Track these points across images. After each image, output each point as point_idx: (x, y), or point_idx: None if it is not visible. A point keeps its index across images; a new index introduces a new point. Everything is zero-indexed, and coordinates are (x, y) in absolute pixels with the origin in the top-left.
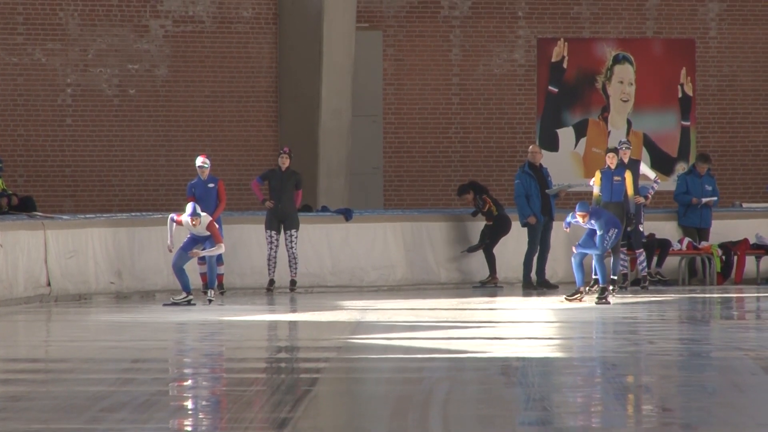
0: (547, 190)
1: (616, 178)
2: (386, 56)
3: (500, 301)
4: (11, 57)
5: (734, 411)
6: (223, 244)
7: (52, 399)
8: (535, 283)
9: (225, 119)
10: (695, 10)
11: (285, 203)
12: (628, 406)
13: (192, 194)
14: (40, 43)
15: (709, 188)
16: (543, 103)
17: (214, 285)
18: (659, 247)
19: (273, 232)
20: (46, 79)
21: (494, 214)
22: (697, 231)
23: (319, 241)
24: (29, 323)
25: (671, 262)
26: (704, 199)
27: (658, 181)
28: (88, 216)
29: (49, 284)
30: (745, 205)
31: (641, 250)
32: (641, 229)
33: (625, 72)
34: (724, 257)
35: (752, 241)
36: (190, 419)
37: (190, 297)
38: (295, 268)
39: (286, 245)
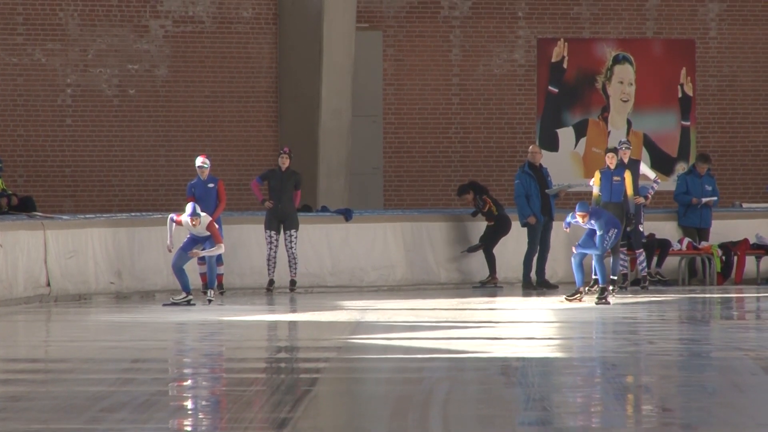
0: (547, 190)
1: (615, 178)
2: (386, 56)
3: (500, 302)
4: (11, 57)
5: (734, 411)
6: (222, 245)
7: (52, 399)
8: (535, 283)
9: (225, 119)
10: (695, 10)
11: (285, 203)
12: (628, 406)
13: (192, 194)
14: (40, 44)
15: (709, 188)
16: (543, 103)
17: (214, 285)
18: (659, 247)
19: (272, 232)
20: (46, 80)
21: (494, 214)
22: (697, 231)
23: (318, 241)
24: (29, 323)
25: (671, 262)
26: (704, 199)
27: (658, 181)
28: (87, 216)
29: (48, 284)
30: (745, 205)
31: (641, 250)
32: (641, 229)
33: (625, 72)
34: (724, 257)
35: (752, 241)
36: (190, 419)
37: (190, 297)
38: (295, 269)
39: (286, 245)
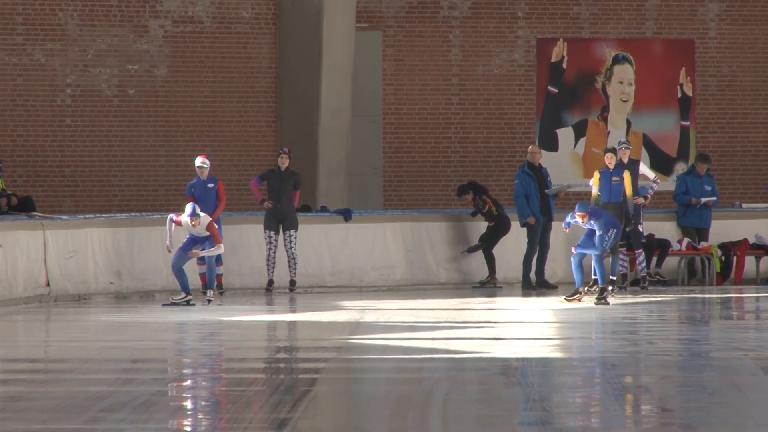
0: (546, 191)
1: (614, 178)
2: (386, 56)
3: (500, 302)
4: (11, 57)
5: (734, 411)
6: (222, 245)
7: (52, 399)
8: (535, 284)
9: (224, 119)
10: (695, 10)
11: (284, 203)
12: (628, 406)
13: (191, 194)
14: (40, 44)
15: (709, 188)
16: (542, 104)
17: (214, 285)
18: (659, 248)
19: (272, 233)
20: (46, 80)
21: (494, 215)
22: (697, 231)
23: (318, 241)
24: (28, 323)
25: (670, 262)
26: (703, 199)
27: (658, 181)
28: (87, 216)
29: (48, 284)
30: (744, 205)
31: (641, 250)
32: (641, 230)
33: (625, 72)
34: (723, 257)
35: (752, 241)
36: (190, 419)
37: (190, 297)
38: (295, 269)
39: (285, 245)
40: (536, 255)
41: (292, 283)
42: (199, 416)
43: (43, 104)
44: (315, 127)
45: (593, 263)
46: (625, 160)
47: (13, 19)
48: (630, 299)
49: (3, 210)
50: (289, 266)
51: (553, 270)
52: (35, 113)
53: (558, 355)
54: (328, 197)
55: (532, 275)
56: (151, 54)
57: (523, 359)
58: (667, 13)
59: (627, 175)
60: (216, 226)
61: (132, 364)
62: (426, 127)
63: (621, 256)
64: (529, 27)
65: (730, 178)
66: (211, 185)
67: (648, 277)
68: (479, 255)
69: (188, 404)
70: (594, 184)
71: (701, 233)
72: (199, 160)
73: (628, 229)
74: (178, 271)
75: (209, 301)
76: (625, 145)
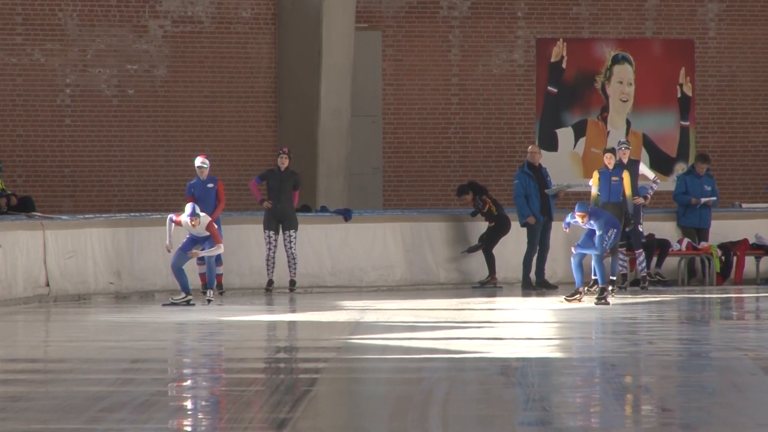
0: (546, 191)
1: (614, 178)
2: (385, 56)
3: (499, 302)
4: (10, 57)
5: (733, 411)
6: (222, 245)
7: (52, 399)
8: (535, 284)
9: (224, 119)
10: (694, 10)
11: (284, 203)
12: (628, 406)
13: (191, 194)
14: (39, 44)
15: (708, 188)
16: (542, 104)
17: (213, 285)
18: (659, 248)
19: (271, 233)
20: (45, 80)
21: (494, 215)
22: (697, 231)
23: (318, 241)
24: (28, 323)
25: (670, 262)
26: (703, 200)
27: (658, 181)
28: (87, 216)
29: (48, 284)
30: (744, 205)
31: (641, 250)
32: (640, 230)
33: (625, 72)
34: (723, 257)
35: (752, 241)
36: (190, 419)
37: (189, 297)
38: (294, 269)
39: (285, 246)
40: (536, 255)
41: (292, 283)
42: (199, 416)
43: (42, 104)
44: (315, 127)
45: (593, 263)
46: (625, 160)
47: (13, 19)
48: (630, 299)
49: (3, 210)
50: (289, 266)
51: (553, 270)
52: (35, 113)
53: (558, 355)
54: (327, 197)
55: (532, 275)
56: (151, 54)
57: (523, 359)
58: (667, 13)
59: (626, 175)
60: (216, 226)
61: (132, 364)
62: (426, 127)
63: (621, 256)
64: (528, 27)
65: (730, 178)
66: (210, 185)
67: (648, 277)
68: (479, 255)
69: (188, 404)
70: (593, 184)
71: (701, 233)
72: (198, 160)
73: (627, 229)
74: (178, 271)
75: (209, 301)
76: (625, 145)
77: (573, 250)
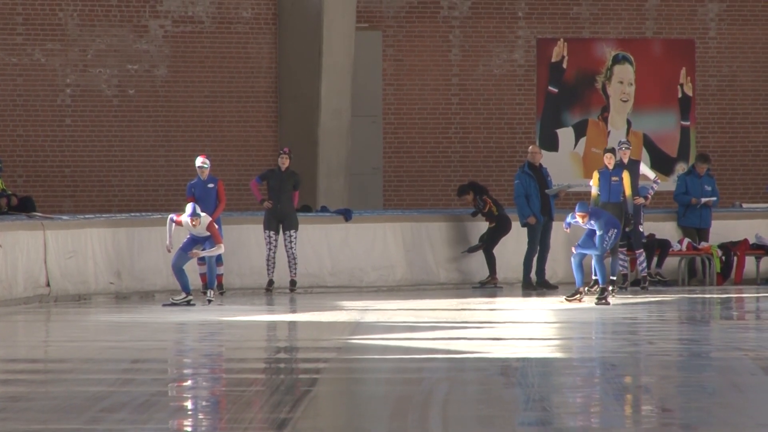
0: (546, 191)
1: (613, 178)
2: (386, 56)
3: (500, 302)
4: (11, 57)
5: (734, 411)
6: (222, 245)
7: (52, 399)
8: (535, 284)
9: (224, 119)
10: (695, 10)
11: (284, 203)
12: (628, 406)
13: (192, 194)
14: (40, 44)
15: (709, 188)
16: (543, 104)
17: (214, 285)
18: (659, 248)
19: (272, 233)
20: (46, 80)
21: (494, 215)
22: (697, 231)
23: (318, 241)
24: (29, 323)
25: (671, 262)
26: (703, 200)
27: (658, 181)
28: (87, 216)
29: (48, 284)
30: (744, 205)
31: (641, 250)
32: (641, 230)
33: (625, 72)
34: (723, 258)
35: (752, 241)
36: (190, 420)
37: (190, 297)
38: (295, 269)
39: (285, 246)
40: (537, 255)
41: (293, 283)
42: (200, 416)
43: (43, 104)
44: (315, 127)
45: (593, 263)
46: (626, 161)
47: (13, 19)
48: (630, 299)
49: (3, 210)
50: (290, 266)
51: (553, 270)
52: (35, 113)
53: (558, 355)
54: (328, 197)
55: (533, 275)
56: (151, 54)
57: (524, 359)
58: (667, 13)
59: (626, 175)
60: (216, 226)
61: (132, 364)
62: (426, 127)
63: (621, 256)
64: (529, 27)
65: (731, 178)
66: (211, 185)
67: (648, 278)
68: (479, 255)
69: (188, 404)
70: (593, 184)
71: (701, 233)
72: (199, 161)
73: (627, 229)
74: (179, 272)
75: (209, 301)
76: (626, 145)
77: (573, 250)
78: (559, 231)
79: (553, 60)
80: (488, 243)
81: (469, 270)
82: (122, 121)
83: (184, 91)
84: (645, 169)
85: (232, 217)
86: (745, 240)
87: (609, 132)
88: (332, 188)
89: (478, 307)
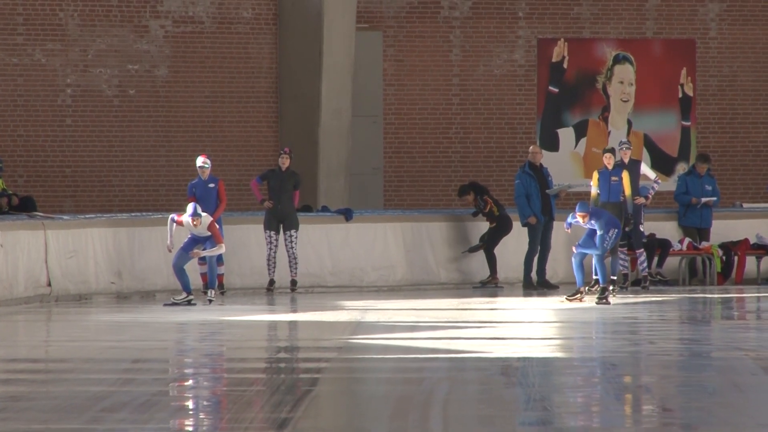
0: (547, 191)
1: (613, 178)
2: (386, 57)
3: (501, 302)
4: (11, 57)
5: (734, 411)
6: (223, 245)
7: (52, 399)
8: (536, 284)
9: (225, 119)
10: (695, 10)
11: (284, 203)
12: (628, 406)
13: (192, 194)
14: (40, 44)
15: (709, 188)
16: (543, 104)
17: (215, 285)
18: (660, 247)
19: (272, 233)
20: (46, 80)
21: (495, 215)
22: (698, 231)
23: (319, 241)
24: (29, 323)
25: (672, 262)
26: (704, 199)
27: (659, 181)
28: (88, 216)
29: (49, 284)
30: (745, 205)
31: (642, 250)
32: (642, 229)
33: (626, 72)
34: (724, 257)
35: (752, 241)
36: (191, 419)
37: (191, 297)
38: (295, 269)
39: (286, 245)
40: (537, 255)
41: (293, 283)
42: (201, 416)
43: (43, 104)
44: (315, 128)
45: (594, 263)
46: (626, 160)
47: (14, 19)
48: (631, 299)
49: (4, 210)
50: (290, 266)
51: (554, 270)
52: (36, 113)
53: (559, 354)
54: (328, 197)
55: (533, 275)
56: (152, 54)
57: (524, 359)
58: (668, 13)
59: (626, 175)
60: (217, 226)
61: (133, 364)
62: (426, 127)
63: (622, 255)
64: (529, 27)
65: (731, 178)
66: (211, 185)
67: (649, 277)
68: (480, 255)
69: (189, 404)
70: (593, 184)
71: (702, 233)
72: (200, 160)
73: (627, 229)
74: (179, 271)
75: (210, 301)
76: (626, 146)
77: (574, 249)
78: (559, 231)
79: (554, 60)
80: (489, 243)
81: (469, 270)
82: (123, 121)
83: (185, 91)
84: (646, 169)
85: (233, 217)
86: (746, 240)
87: (609, 132)
88: (333, 188)
89: (478, 306)
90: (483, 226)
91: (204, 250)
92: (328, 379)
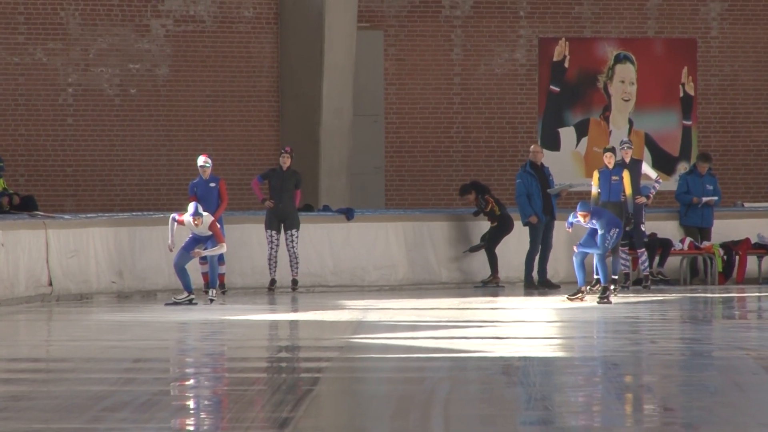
0: (548, 190)
1: (613, 177)
2: (387, 56)
3: (502, 301)
4: (12, 57)
5: (736, 410)
6: (224, 244)
7: (53, 398)
8: (537, 283)
9: (226, 119)
10: (696, 9)
11: (285, 203)
12: (630, 405)
13: (194, 194)
14: (42, 43)
15: (710, 188)
16: (544, 103)
17: (216, 284)
18: (661, 247)
19: (273, 232)
20: (47, 79)
21: (497, 214)
22: (699, 231)
23: (320, 240)
24: (30, 323)
25: (673, 261)
26: (705, 199)
27: (660, 180)
28: (89, 215)
29: (50, 284)
30: (746, 204)
31: (643, 249)
32: (643, 229)
33: (627, 71)
34: (725, 257)
35: (754, 240)
36: (192, 419)
37: (192, 296)
38: (297, 268)
39: (287, 245)
40: (538, 254)
41: (295, 282)
42: (201, 416)
43: (44, 104)
44: (317, 127)
45: (595, 262)
46: (627, 160)
47: (15, 18)
48: (632, 298)
49: (5, 209)
50: (291, 266)
51: (555, 269)
52: (37, 113)
53: (560, 354)
54: (329, 197)
55: (535, 275)
56: (153, 53)
57: (525, 358)
58: (669, 12)
59: (626, 175)
60: (218, 226)
61: (134, 363)
62: (428, 126)
63: (623, 255)
64: (530, 26)
65: (732, 177)
66: (213, 185)
67: (650, 277)
68: (481, 254)
69: (190, 404)
70: (594, 183)
71: (703, 233)
72: (201, 160)
73: (627, 228)
74: (181, 271)
75: (211, 300)
76: (627, 145)
77: (575, 249)
78: (560, 230)
79: (555, 59)
80: (490, 242)
81: (470, 269)
82: (124, 120)
83: (186, 90)
84: (647, 168)
85: (234, 216)
86: (747, 239)
87: (610, 131)
88: (334, 187)
89: (479, 306)
90: (484, 225)
91: (205, 249)
92: (329, 379)
